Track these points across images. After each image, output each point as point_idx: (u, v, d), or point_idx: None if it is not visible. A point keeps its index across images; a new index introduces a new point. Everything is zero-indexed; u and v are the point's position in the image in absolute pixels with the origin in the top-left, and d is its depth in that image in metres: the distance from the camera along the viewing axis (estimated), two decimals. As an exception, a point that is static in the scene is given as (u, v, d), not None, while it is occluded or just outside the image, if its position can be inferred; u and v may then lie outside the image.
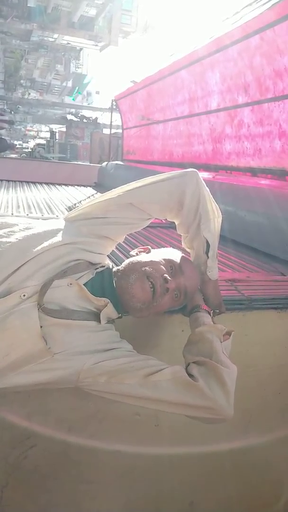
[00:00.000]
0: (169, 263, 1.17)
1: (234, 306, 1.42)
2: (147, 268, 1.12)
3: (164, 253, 1.22)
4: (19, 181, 5.98)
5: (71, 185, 6.23)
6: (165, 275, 1.11)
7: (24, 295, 1.01)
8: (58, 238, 1.10)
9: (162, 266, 1.14)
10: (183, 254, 1.25)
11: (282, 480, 1.74)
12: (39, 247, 1.06)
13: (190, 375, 1.03)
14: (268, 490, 1.75)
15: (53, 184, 6.09)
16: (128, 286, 1.11)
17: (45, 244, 1.07)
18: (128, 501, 1.54)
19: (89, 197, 5.05)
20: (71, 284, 1.06)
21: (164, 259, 1.17)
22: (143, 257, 1.19)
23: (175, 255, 1.22)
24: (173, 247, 1.39)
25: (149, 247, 1.29)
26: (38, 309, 1.00)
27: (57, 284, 1.04)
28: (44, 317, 1.01)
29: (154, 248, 1.30)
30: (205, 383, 1.00)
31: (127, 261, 1.20)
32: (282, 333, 1.51)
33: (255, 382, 1.48)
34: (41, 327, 1.00)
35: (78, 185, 6.24)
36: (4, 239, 1.09)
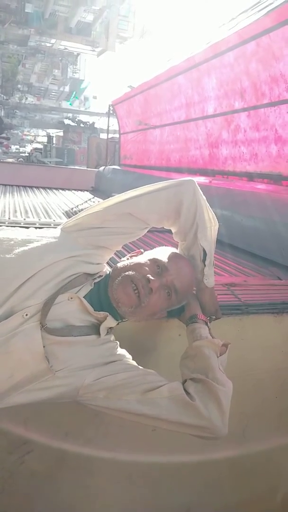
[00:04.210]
0: (155, 262, 1.15)
1: (231, 311, 1.42)
2: (129, 272, 1.11)
3: (153, 253, 1.21)
4: (16, 185, 5.98)
5: (68, 189, 6.24)
6: (147, 275, 1.10)
7: (26, 315, 1.01)
8: (56, 253, 1.10)
9: (145, 267, 1.12)
10: (174, 251, 1.24)
11: (279, 484, 1.74)
12: (38, 264, 1.07)
13: (187, 393, 1.04)
14: (265, 495, 1.74)
15: (50, 188, 6.09)
16: (112, 292, 1.11)
17: (44, 260, 1.08)
18: (125, 507, 1.53)
19: (86, 201, 5.06)
20: (71, 298, 1.07)
21: (150, 259, 1.16)
22: (130, 261, 1.18)
23: (165, 252, 1.20)
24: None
25: (142, 250, 1.27)
26: (41, 329, 1.01)
27: (58, 300, 1.05)
28: (47, 336, 1.02)
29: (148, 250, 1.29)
30: (201, 403, 1.01)
31: (114, 267, 1.19)
32: (279, 338, 1.51)
33: (252, 386, 1.48)
34: (43, 346, 1.01)
35: (75, 190, 6.25)
36: (2, 256, 1.09)
